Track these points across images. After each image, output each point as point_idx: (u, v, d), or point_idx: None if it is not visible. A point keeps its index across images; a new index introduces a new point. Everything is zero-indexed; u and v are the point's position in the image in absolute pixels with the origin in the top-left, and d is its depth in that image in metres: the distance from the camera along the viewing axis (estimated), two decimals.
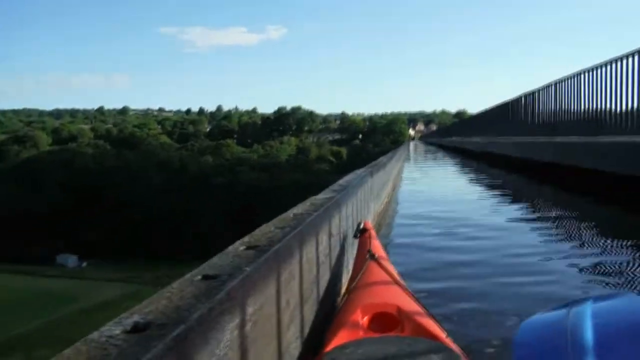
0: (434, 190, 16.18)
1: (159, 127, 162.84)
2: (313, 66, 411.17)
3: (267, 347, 1.87)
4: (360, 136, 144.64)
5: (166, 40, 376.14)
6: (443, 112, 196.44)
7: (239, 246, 2.10)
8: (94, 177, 75.00)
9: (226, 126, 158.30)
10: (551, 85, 16.59)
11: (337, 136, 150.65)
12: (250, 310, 1.68)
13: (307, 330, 2.51)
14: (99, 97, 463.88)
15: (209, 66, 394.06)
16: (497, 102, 28.23)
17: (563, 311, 1.60)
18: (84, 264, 65.26)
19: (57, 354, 1.09)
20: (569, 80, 14.61)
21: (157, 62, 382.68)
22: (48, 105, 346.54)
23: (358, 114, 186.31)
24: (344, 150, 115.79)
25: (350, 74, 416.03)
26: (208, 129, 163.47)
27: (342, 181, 6.47)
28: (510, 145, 21.55)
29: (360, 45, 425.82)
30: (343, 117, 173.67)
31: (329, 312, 3.07)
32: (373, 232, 3.84)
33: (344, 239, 4.33)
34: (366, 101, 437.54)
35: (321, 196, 4.40)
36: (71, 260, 65.66)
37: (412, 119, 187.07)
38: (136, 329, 1.20)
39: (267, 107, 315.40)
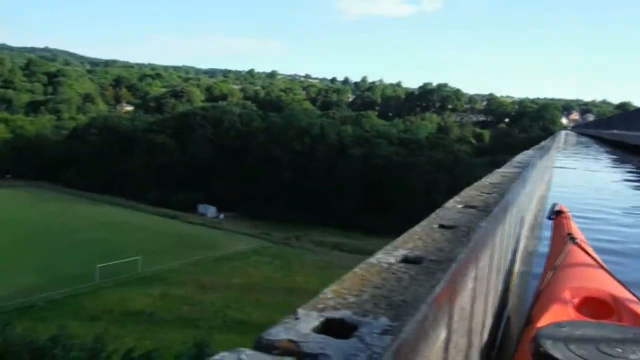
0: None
1: (304, 93, 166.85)
2: (465, 43, 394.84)
3: (487, 299, 2.13)
4: (506, 120, 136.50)
5: (321, 7, 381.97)
6: (604, 102, 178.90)
7: (455, 204, 2.28)
8: (240, 136, 78.56)
9: (369, 98, 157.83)
10: None
11: (481, 118, 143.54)
12: (482, 262, 1.87)
13: (495, 297, 2.65)
14: (251, 60, 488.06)
15: (359, 36, 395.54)
16: None
17: None
18: (222, 216, 69.04)
19: (352, 271, 1.25)
20: None
21: (310, 30, 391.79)
22: (204, 65, 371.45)
23: (507, 97, 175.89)
24: (487, 133, 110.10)
25: (504, 54, 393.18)
26: (351, 99, 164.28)
27: (518, 160, 6.48)
28: None
29: (518, 26, 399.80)
30: (491, 98, 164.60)
31: (508, 285, 3.24)
32: (569, 215, 3.83)
33: (522, 214, 4.36)
34: (517, 84, 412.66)
35: (505, 170, 4.50)
36: (211, 211, 69.81)
37: (567, 107, 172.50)
38: (407, 260, 1.38)
39: (412, 82, 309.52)
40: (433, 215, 2.05)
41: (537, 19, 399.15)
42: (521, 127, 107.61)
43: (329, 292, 1.25)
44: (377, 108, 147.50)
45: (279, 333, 0.95)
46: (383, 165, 67.49)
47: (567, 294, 2.41)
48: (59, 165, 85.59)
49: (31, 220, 59.30)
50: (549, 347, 1.65)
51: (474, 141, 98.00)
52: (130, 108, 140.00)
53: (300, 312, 1.06)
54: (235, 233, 60.91)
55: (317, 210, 68.93)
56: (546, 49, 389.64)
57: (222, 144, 77.86)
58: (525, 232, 4.40)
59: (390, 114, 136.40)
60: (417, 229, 1.82)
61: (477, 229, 1.83)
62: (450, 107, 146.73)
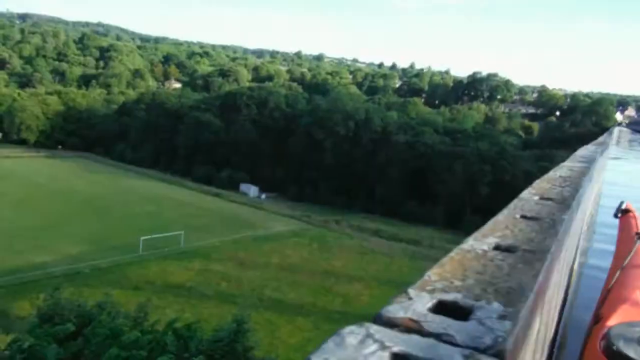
0: None
1: (351, 77, 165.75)
2: (518, 33, 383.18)
3: (558, 292, 2.17)
4: (557, 113, 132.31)
5: None
6: None
7: (531, 195, 2.35)
8: (284, 117, 78.77)
9: (416, 84, 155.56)
10: None
11: (531, 110, 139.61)
12: (561, 255, 1.90)
13: (562, 292, 2.70)
14: (299, 42, 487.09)
15: (408, 21, 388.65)
16: None
17: None
18: (263, 196, 69.68)
19: (448, 256, 1.32)
20: None
21: (359, 14, 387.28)
22: (252, 45, 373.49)
23: (559, 89, 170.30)
24: (535, 126, 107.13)
25: (558, 45, 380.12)
26: (397, 85, 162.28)
27: (581, 154, 6.54)
28: None
29: (574, 16, 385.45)
30: (542, 90, 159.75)
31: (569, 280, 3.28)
32: (636, 214, 3.79)
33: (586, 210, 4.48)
34: (570, 76, 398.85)
35: (571, 164, 4.75)
36: (253, 191, 70.53)
37: (622, 102, 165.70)
38: (499, 248, 1.41)
39: (461, 70, 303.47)
40: (512, 206, 2.09)
41: (594, 10, 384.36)
42: (572, 121, 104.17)
43: (432, 275, 1.35)
44: (424, 95, 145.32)
45: (397, 311, 1.01)
46: (426, 154, 66.57)
47: (636, 294, 2.40)
48: (108, 139, 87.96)
49: (80, 190, 61.29)
50: (622, 345, 1.64)
51: (521, 133, 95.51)
52: (177, 85, 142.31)
53: (411, 292, 1.12)
54: (275, 214, 61.42)
55: (357, 196, 68.74)
56: (603, 41, 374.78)
57: (266, 125, 78.28)
58: (584, 227, 4.36)
59: (437, 102, 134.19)
60: (500, 217, 1.83)
61: (561, 222, 1.85)
62: (499, 97, 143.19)
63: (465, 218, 63.16)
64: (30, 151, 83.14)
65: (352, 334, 0.89)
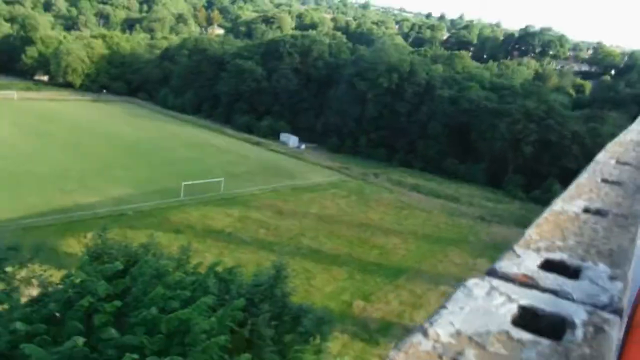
0: None
1: (396, 27, 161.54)
2: None
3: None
4: (612, 72, 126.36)
5: None
6: None
7: (607, 159, 2.34)
8: (327, 67, 77.77)
9: (464, 37, 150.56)
10: None
11: (584, 68, 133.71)
12: None
13: None
14: None
15: None
16: None
17: None
18: (303, 147, 69.80)
19: (542, 216, 1.37)
20: None
21: None
22: None
23: (616, 46, 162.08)
24: (588, 85, 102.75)
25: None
26: (445, 37, 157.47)
27: None
28: None
29: None
30: (598, 47, 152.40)
31: None
32: None
33: None
34: (629, 33, 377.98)
35: (638, 128, 4.39)
36: (292, 141, 70.68)
37: None
38: (589, 211, 1.47)
39: (512, 24, 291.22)
40: (590, 169, 2.13)
41: None
42: (628, 81, 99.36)
43: (533, 234, 1.34)
44: (472, 49, 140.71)
45: (510, 267, 1.08)
46: (471, 110, 64.97)
47: None
48: (151, 84, 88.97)
49: (124, 135, 62.68)
50: None
51: (572, 92, 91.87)
52: (220, 31, 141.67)
53: (518, 250, 1.17)
54: (314, 164, 61.65)
55: (397, 150, 68.15)
56: None
57: (308, 74, 77.56)
58: None
59: (485, 56, 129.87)
60: (582, 181, 1.87)
61: None
62: (551, 53, 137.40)
63: (506, 177, 62.03)
64: (75, 94, 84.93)
65: (477, 286, 0.97)
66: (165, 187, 43.41)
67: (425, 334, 0.95)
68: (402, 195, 53.40)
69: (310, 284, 29.45)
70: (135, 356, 8.57)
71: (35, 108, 71.31)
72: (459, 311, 0.97)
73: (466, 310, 0.96)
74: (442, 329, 0.95)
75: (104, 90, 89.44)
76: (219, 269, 13.57)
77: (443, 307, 1.01)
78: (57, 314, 9.75)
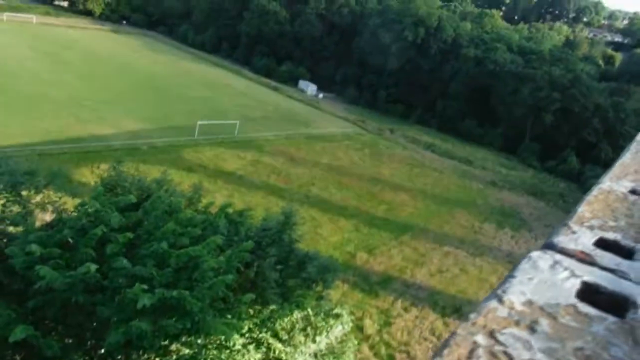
0: None
1: None
2: None
3: None
4: None
5: None
6: None
7: None
8: (352, 15, 75.95)
9: None
10: None
11: (618, 38, 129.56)
12: None
13: None
14: None
15: None
16: None
17: None
18: (321, 95, 69.17)
19: (592, 195, 1.40)
20: None
21: None
22: None
23: None
24: (618, 57, 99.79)
25: None
26: None
27: None
28: None
29: None
30: (634, 17, 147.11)
31: None
32: None
33: None
34: None
35: None
36: (311, 89, 69.99)
37: None
38: (635, 192, 1.49)
39: None
40: (633, 149, 2.13)
41: None
42: None
43: (585, 212, 1.35)
44: (504, 8, 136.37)
45: (568, 242, 1.11)
46: (495, 72, 63.64)
47: None
48: (172, 18, 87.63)
49: (142, 68, 62.28)
50: None
51: (601, 63, 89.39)
52: None
53: (573, 226, 1.19)
54: (330, 114, 61.23)
55: (416, 107, 67.35)
56: None
57: (332, 21, 75.94)
58: None
59: (516, 17, 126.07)
60: (626, 160, 1.87)
61: None
62: (585, 20, 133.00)
63: (522, 144, 61.37)
64: (94, 23, 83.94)
65: (541, 259, 1.02)
66: (180, 125, 43.44)
67: (500, 300, 0.99)
68: (416, 153, 53.18)
69: (316, 233, 29.81)
70: (145, 286, 8.81)
71: (54, 34, 70.75)
72: (527, 281, 1.01)
73: (535, 282, 1.00)
74: (515, 297, 0.99)
75: (124, 21, 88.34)
76: (230, 210, 13.72)
77: (512, 276, 1.04)
78: (71, 240, 9.98)
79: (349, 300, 23.17)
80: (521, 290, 1.00)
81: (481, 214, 39.94)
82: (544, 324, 0.93)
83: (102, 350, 9.77)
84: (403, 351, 21.63)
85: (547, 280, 0.99)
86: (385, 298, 25.25)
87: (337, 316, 12.91)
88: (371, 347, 21.41)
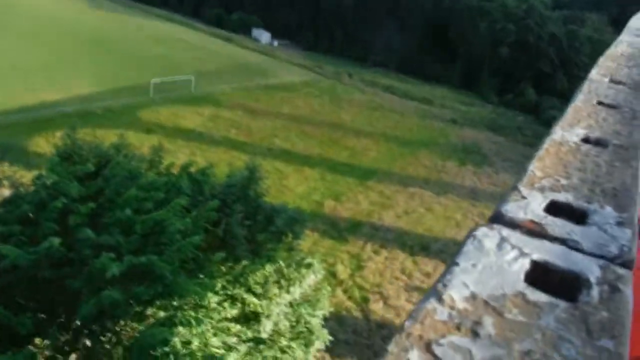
0: None
1: None
2: None
3: None
4: None
5: None
6: None
7: (601, 77, 2.28)
8: None
9: None
10: None
11: None
12: None
13: None
14: None
15: None
16: None
17: None
18: (276, 43, 67.71)
19: (543, 148, 1.40)
20: None
21: None
22: None
23: None
24: None
25: None
26: None
27: (637, 26, 6.00)
28: None
29: None
30: None
31: None
32: None
33: None
34: None
35: (629, 39, 4.04)
36: (265, 37, 68.37)
37: None
38: (589, 141, 1.45)
39: None
40: (585, 89, 2.07)
41: None
42: None
43: (536, 170, 1.31)
44: None
45: (517, 211, 1.06)
46: (451, 8, 63.18)
47: None
48: None
49: (88, 27, 59.41)
50: None
51: None
52: None
53: (523, 190, 1.15)
54: (287, 62, 60.18)
55: (373, 48, 66.69)
56: None
57: None
58: None
59: None
60: (578, 104, 1.82)
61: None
62: None
63: (481, 80, 61.85)
64: None
65: (487, 237, 0.94)
66: (133, 84, 42.08)
67: (439, 299, 0.90)
68: (375, 96, 53.09)
69: (282, 184, 29.83)
70: (112, 255, 8.71)
71: None
72: (471, 269, 0.93)
73: (479, 268, 0.92)
74: (457, 292, 0.90)
75: None
76: (192, 169, 13.54)
77: (454, 263, 0.95)
78: (31, 215, 9.72)
79: (320, 249, 23.53)
80: (463, 282, 0.91)
81: (443, 152, 40.53)
82: (488, 324, 0.84)
83: (78, 323, 9.73)
84: (376, 292, 22.26)
85: (492, 264, 0.90)
86: (355, 243, 25.72)
87: (309, 265, 13.11)
88: (345, 291, 21.94)
